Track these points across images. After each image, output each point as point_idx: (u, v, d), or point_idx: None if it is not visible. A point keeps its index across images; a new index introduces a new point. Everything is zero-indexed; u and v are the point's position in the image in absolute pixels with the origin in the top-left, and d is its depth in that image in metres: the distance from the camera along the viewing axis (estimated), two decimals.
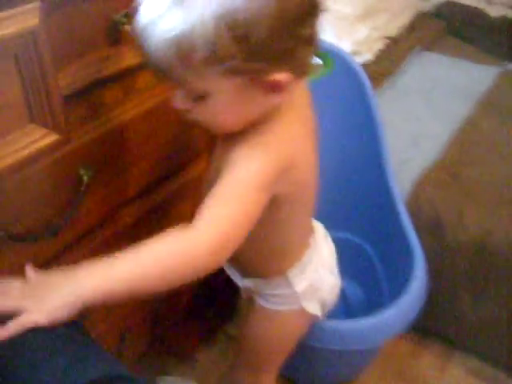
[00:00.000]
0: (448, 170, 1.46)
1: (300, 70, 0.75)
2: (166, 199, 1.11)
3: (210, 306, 1.42)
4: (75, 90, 0.82)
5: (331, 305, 1.09)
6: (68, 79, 0.80)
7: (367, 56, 1.84)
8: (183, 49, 0.66)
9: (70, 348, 0.67)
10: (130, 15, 0.87)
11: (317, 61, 0.90)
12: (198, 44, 0.65)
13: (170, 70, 0.70)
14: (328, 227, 1.10)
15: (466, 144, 1.55)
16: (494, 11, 2.25)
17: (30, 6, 0.65)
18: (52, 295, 0.68)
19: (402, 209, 1.31)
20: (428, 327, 1.49)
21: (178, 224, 1.17)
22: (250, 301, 1.08)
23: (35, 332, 0.65)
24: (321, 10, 0.71)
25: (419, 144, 1.53)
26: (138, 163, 1.00)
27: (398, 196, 1.33)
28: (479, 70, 1.91)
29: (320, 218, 1.06)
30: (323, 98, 1.36)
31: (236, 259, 0.93)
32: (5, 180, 0.75)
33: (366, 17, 1.98)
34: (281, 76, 0.71)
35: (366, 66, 1.63)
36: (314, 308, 1.03)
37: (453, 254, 1.37)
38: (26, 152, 0.71)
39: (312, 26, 0.71)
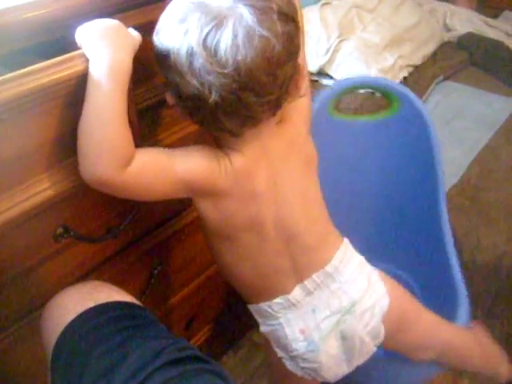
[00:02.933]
0: (466, 195, 1.55)
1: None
2: None
3: (236, 313, 1.51)
4: (142, 108, 0.93)
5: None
6: (138, 99, 0.91)
7: None
8: None
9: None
10: None
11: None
12: None
13: None
14: (374, 258, 1.07)
15: (484, 170, 1.64)
16: None
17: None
18: None
19: (451, 249, 1.32)
20: None
21: None
22: None
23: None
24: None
25: None
26: None
27: (448, 234, 1.34)
28: (499, 101, 2.00)
29: (367, 248, 1.07)
30: (387, 135, 1.43)
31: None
32: (81, 187, 0.85)
33: (392, 46, 2.09)
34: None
35: None
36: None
37: (469, 273, 1.45)
38: None
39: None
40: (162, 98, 0.97)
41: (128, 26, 0.84)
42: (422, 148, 1.34)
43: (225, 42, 0.71)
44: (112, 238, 0.97)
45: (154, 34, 0.79)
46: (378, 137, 1.42)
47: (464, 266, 1.45)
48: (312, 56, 1.99)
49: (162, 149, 0.87)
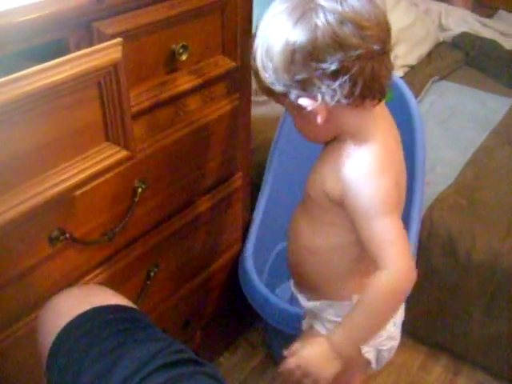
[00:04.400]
0: (462, 194, 1.55)
1: (331, 98, 0.82)
2: (205, 212, 1.22)
3: (232, 313, 1.52)
4: (138, 111, 0.93)
5: (384, 360, 1.04)
6: (133, 101, 0.91)
7: None
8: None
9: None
10: (186, 46, 0.99)
11: None
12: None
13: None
14: None
15: (480, 170, 1.64)
16: (508, 44, 2.35)
17: (114, 41, 0.76)
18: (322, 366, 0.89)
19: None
20: (439, 341, 1.58)
21: (221, 229, 1.28)
22: (310, 329, 1.07)
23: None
24: (352, 48, 0.78)
25: (435, 169, 1.63)
26: (184, 178, 1.10)
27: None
28: (494, 100, 2.01)
29: None
30: None
31: (308, 281, 1.03)
32: (75, 191, 0.85)
33: None
34: (302, 101, 0.83)
35: None
36: (367, 351, 0.99)
37: (465, 274, 1.45)
38: (99, 167, 0.82)
39: (336, 61, 0.78)
40: (158, 100, 0.97)
41: (122, 29, 0.84)
42: (405, 140, 1.39)
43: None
44: (107, 240, 0.98)
45: (281, 44, 0.81)
46: None
47: (460, 266, 1.46)
48: None
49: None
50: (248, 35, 1.14)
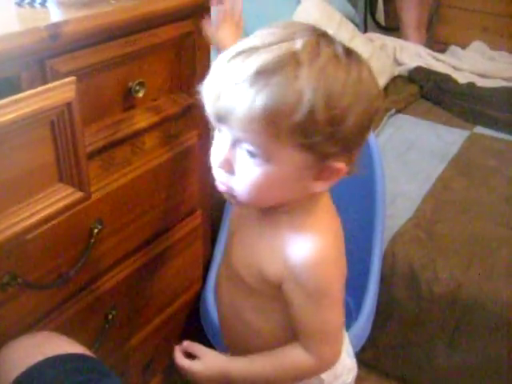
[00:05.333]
0: (422, 227, 1.56)
1: (351, 163, 0.77)
2: (163, 252, 1.19)
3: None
4: (93, 150, 0.91)
5: None
6: (88, 140, 0.89)
7: None
8: (276, 115, 0.68)
9: None
10: (143, 83, 0.97)
11: None
12: (293, 113, 0.67)
13: (252, 132, 0.70)
14: None
15: (438, 202, 1.66)
16: (462, 78, 2.41)
17: (67, 80, 0.74)
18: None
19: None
20: (405, 375, 1.56)
21: (181, 268, 1.24)
22: None
23: None
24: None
25: (395, 202, 1.64)
26: (141, 217, 1.07)
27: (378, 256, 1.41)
28: (450, 133, 2.04)
29: None
30: None
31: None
32: (28, 234, 0.82)
33: None
34: (340, 165, 0.74)
35: None
36: None
37: (427, 306, 1.45)
38: (52, 209, 0.79)
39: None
40: (114, 139, 0.95)
41: (77, 67, 0.82)
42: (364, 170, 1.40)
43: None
44: (63, 283, 0.94)
45: (326, 107, 0.69)
46: None
47: (422, 298, 1.46)
48: None
49: None
50: (206, 71, 1.13)
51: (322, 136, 0.69)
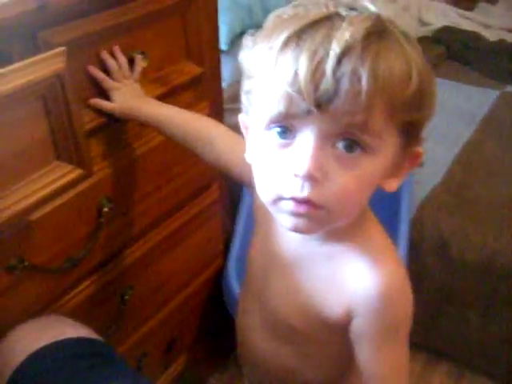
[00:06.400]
0: (451, 192, 1.50)
1: None
2: (180, 228, 1.15)
3: (220, 332, 1.45)
4: (98, 125, 0.87)
5: None
6: (90, 115, 0.85)
7: None
8: (394, 87, 0.56)
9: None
10: (145, 53, 0.92)
11: None
12: (407, 83, 0.56)
13: (365, 112, 0.55)
14: None
15: (468, 166, 1.58)
16: (492, 35, 2.30)
17: (56, 50, 0.69)
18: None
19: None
20: (438, 347, 1.51)
21: (199, 244, 1.20)
22: None
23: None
24: None
25: (423, 167, 1.57)
26: (154, 194, 1.03)
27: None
28: (480, 93, 1.95)
29: None
30: None
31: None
32: (31, 214, 0.78)
33: None
34: (420, 149, 0.63)
35: None
36: None
37: (459, 275, 1.39)
38: (51, 188, 0.75)
39: None
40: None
41: (71, 37, 0.78)
42: None
43: None
44: (72, 266, 0.91)
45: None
46: None
47: (453, 267, 1.40)
48: None
49: None
50: (215, 38, 1.08)
51: (422, 112, 0.60)
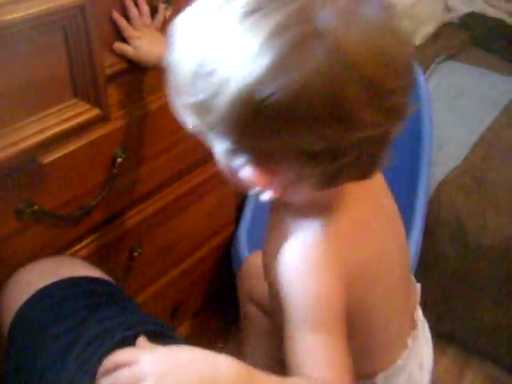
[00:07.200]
0: (471, 175, 1.46)
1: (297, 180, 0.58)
2: (191, 191, 1.12)
3: (225, 300, 1.43)
4: (117, 72, 0.84)
5: None
6: (111, 59, 0.82)
7: None
8: None
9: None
10: (169, 1, 0.89)
11: None
12: None
13: None
14: None
15: (489, 150, 1.54)
16: None
17: None
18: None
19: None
20: (447, 332, 1.48)
21: (212, 207, 1.16)
22: None
23: None
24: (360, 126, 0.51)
25: (443, 148, 1.53)
26: (170, 149, 1.00)
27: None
28: (503, 81, 1.91)
29: None
30: None
31: None
32: (44, 153, 0.76)
33: None
34: (248, 173, 0.57)
35: None
36: None
37: (474, 258, 1.36)
38: (66, 126, 0.73)
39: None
40: None
41: None
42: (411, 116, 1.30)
43: None
44: (83, 215, 0.88)
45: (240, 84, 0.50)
46: None
47: (469, 250, 1.37)
48: None
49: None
50: None
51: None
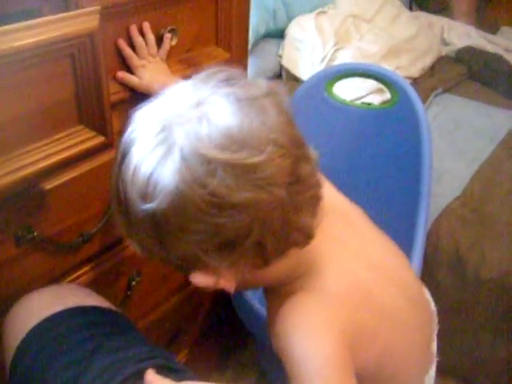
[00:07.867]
0: (469, 207, 1.47)
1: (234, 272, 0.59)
2: None
3: (222, 332, 1.42)
4: (118, 100, 0.84)
5: None
6: (114, 87, 0.82)
7: None
8: None
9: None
10: (175, 30, 0.90)
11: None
12: None
13: None
14: None
15: (487, 183, 1.55)
16: None
17: (90, 9, 0.67)
18: None
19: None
20: (446, 365, 1.46)
21: None
22: None
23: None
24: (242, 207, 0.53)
25: (441, 181, 1.54)
26: None
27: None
28: (500, 114, 1.93)
29: None
30: (378, 127, 1.45)
31: None
32: (47, 179, 0.75)
33: (390, 56, 2.02)
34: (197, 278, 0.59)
35: None
36: None
37: (474, 291, 1.36)
38: (70, 152, 0.72)
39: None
40: None
41: (105, 3, 0.76)
42: (411, 146, 1.32)
43: None
44: (83, 242, 0.87)
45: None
46: (369, 127, 1.48)
47: (468, 283, 1.36)
48: (307, 65, 1.91)
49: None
50: (245, 24, 1.06)
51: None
